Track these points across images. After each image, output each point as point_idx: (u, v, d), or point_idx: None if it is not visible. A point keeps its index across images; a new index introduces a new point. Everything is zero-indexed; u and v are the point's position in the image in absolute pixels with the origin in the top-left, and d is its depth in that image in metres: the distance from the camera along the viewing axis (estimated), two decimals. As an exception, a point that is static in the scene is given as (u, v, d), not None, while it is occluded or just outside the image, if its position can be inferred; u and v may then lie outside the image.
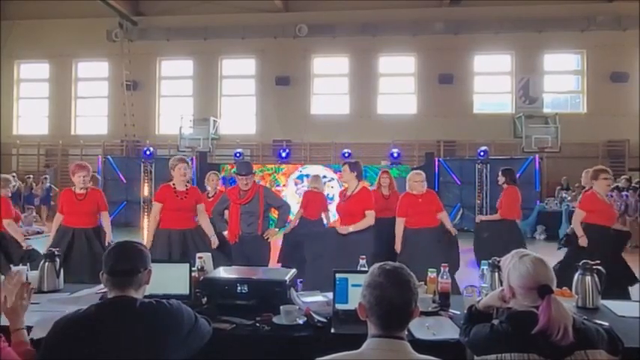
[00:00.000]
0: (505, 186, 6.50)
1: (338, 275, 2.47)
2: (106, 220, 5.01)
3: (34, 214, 12.76)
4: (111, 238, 4.86)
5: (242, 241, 4.71)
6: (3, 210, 5.08)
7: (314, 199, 6.34)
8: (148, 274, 1.88)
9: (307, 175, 11.38)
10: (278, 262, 5.73)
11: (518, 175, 11.26)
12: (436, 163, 12.48)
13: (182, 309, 1.85)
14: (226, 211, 4.94)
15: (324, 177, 12.44)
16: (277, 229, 4.92)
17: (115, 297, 1.80)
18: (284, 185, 12.68)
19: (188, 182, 4.69)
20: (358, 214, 4.56)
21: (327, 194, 11.70)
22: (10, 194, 5.35)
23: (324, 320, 2.34)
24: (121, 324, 1.71)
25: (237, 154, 13.39)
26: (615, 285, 3.46)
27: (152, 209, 4.80)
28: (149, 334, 1.72)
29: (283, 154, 13.54)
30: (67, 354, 1.68)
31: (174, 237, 4.51)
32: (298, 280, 2.84)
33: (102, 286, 2.63)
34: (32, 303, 2.63)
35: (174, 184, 4.63)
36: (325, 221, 6.52)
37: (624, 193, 10.47)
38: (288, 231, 5.76)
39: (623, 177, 12.17)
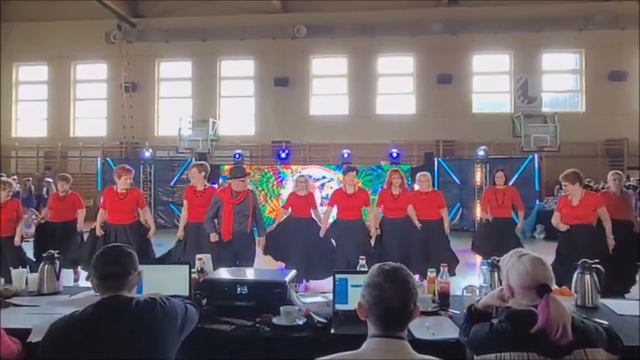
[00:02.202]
0: (505, 185, 6.58)
1: (338, 276, 2.47)
2: (147, 215, 5.74)
3: (34, 216, 12.74)
4: (154, 231, 5.66)
5: (233, 238, 4.98)
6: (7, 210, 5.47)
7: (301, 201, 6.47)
8: (138, 276, 1.92)
9: (309, 176, 11.32)
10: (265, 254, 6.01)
11: (517, 175, 11.38)
12: (435, 162, 12.45)
13: (174, 304, 1.90)
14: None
15: (324, 177, 12.46)
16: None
17: (110, 296, 1.81)
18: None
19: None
20: (359, 208, 6.01)
21: (327, 195, 11.82)
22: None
23: (324, 321, 2.34)
24: (119, 324, 1.72)
25: (237, 155, 13.37)
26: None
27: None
28: (147, 331, 1.74)
29: (282, 155, 13.53)
30: (66, 356, 1.68)
31: (191, 229, 5.38)
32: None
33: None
34: (31, 305, 2.65)
35: (194, 185, 5.48)
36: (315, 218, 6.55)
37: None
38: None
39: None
